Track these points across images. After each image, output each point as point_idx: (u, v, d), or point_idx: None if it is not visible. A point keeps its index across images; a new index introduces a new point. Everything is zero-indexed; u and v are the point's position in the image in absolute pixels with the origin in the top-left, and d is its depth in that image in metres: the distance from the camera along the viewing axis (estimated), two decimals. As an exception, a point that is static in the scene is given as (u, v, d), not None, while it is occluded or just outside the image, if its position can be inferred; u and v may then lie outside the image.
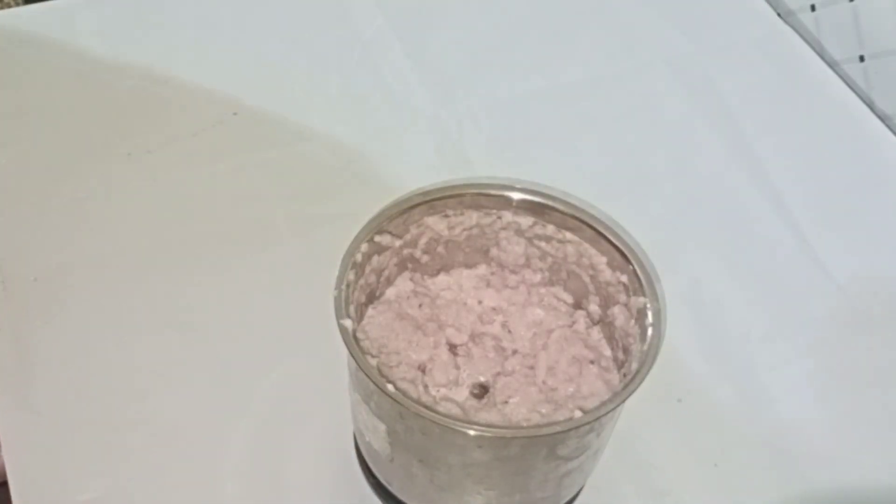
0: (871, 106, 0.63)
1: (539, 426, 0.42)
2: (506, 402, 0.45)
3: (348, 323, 0.41)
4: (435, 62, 0.68)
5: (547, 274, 0.48)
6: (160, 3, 0.71)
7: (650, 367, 0.40)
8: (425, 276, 0.49)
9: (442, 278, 0.49)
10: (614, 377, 0.45)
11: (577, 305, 0.48)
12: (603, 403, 0.40)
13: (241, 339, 0.53)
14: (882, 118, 0.62)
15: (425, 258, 0.48)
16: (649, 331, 0.42)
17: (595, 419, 0.39)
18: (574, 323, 0.47)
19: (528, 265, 0.48)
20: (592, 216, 0.45)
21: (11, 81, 0.66)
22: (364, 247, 0.44)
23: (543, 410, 0.44)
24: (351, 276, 0.43)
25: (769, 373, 0.53)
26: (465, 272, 0.49)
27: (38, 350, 0.53)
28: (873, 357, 0.53)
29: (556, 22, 0.69)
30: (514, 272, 0.49)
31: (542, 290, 0.48)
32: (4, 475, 0.48)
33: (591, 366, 0.45)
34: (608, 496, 0.49)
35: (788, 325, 0.54)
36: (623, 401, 0.40)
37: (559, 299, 0.48)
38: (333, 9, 0.71)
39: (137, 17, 0.70)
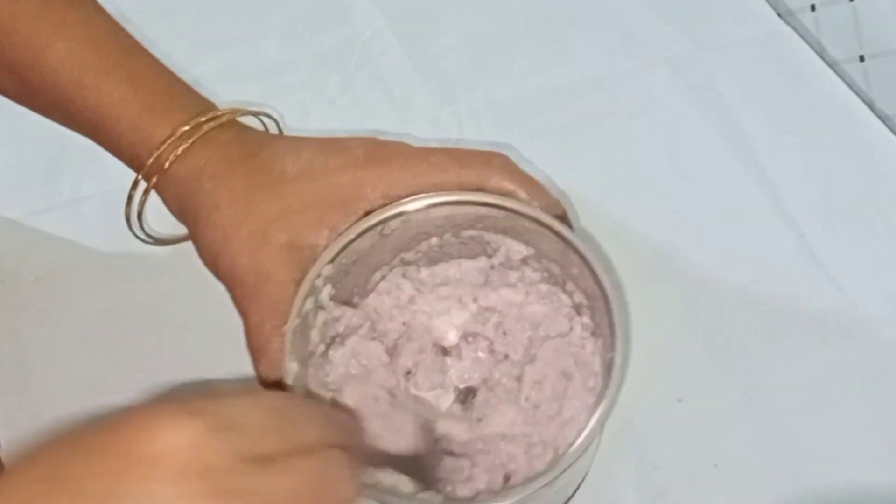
0: (871, 106, 0.63)
1: (495, 492, 0.41)
2: (480, 420, 0.44)
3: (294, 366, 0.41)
4: (435, 62, 0.68)
5: (546, 274, 0.47)
6: (159, 4, 0.71)
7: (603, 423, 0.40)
8: (421, 267, 0.48)
9: (441, 269, 0.48)
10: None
11: (577, 310, 0.47)
12: (543, 475, 0.39)
13: (242, 340, 0.53)
14: (882, 118, 0.62)
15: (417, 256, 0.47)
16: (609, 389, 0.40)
17: (542, 485, 0.39)
18: (571, 330, 0.46)
19: (527, 263, 0.47)
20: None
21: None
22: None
23: (518, 434, 0.43)
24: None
25: (769, 373, 0.53)
26: (465, 263, 0.48)
27: (38, 350, 0.53)
28: (873, 357, 0.53)
29: (556, 22, 0.69)
30: (514, 269, 0.48)
31: (543, 288, 0.47)
32: (4, 475, 0.48)
33: (577, 385, 0.44)
34: (608, 496, 0.49)
35: (788, 325, 0.54)
36: (563, 470, 0.39)
37: (560, 300, 0.47)
38: (333, 9, 0.71)
39: (136, 17, 0.70)
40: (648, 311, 0.55)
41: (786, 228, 0.57)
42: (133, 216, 0.48)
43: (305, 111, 0.65)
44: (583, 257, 0.42)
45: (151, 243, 0.50)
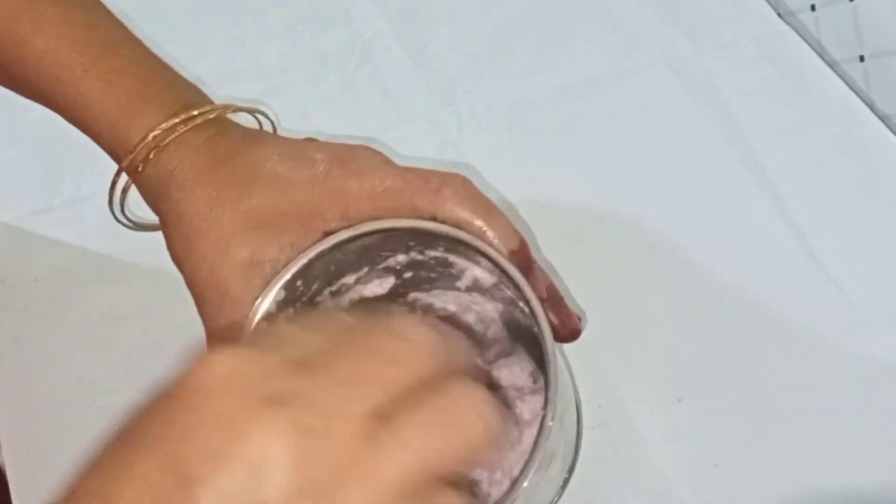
0: (871, 106, 0.63)
1: None
2: None
3: None
4: (435, 62, 0.68)
5: (508, 297, 0.45)
6: (159, 3, 0.71)
7: None
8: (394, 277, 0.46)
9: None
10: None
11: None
12: None
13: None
14: (882, 118, 0.62)
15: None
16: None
17: None
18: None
19: (494, 288, 0.45)
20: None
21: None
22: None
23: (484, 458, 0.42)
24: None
25: (769, 373, 0.53)
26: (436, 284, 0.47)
27: (37, 350, 0.53)
28: (873, 357, 0.53)
29: (556, 22, 0.69)
30: (480, 292, 0.46)
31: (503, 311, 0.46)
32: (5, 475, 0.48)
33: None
34: (608, 496, 0.49)
35: (788, 325, 0.54)
36: None
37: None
38: (333, 9, 0.71)
39: (136, 16, 0.70)
40: (648, 311, 0.55)
41: (786, 228, 0.57)
42: (115, 203, 0.48)
43: (305, 111, 0.65)
44: (528, 303, 0.40)
45: (132, 228, 0.50)
